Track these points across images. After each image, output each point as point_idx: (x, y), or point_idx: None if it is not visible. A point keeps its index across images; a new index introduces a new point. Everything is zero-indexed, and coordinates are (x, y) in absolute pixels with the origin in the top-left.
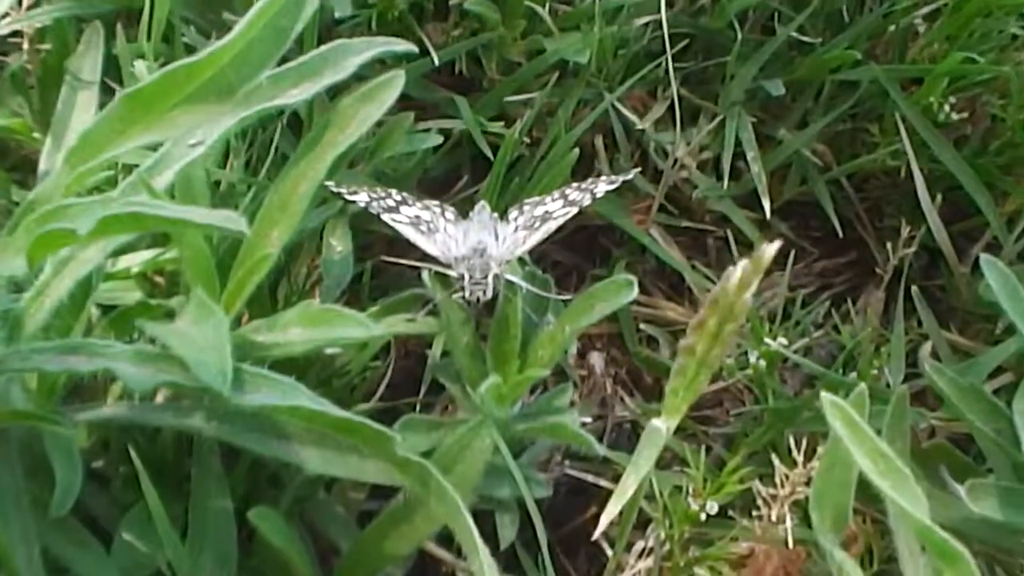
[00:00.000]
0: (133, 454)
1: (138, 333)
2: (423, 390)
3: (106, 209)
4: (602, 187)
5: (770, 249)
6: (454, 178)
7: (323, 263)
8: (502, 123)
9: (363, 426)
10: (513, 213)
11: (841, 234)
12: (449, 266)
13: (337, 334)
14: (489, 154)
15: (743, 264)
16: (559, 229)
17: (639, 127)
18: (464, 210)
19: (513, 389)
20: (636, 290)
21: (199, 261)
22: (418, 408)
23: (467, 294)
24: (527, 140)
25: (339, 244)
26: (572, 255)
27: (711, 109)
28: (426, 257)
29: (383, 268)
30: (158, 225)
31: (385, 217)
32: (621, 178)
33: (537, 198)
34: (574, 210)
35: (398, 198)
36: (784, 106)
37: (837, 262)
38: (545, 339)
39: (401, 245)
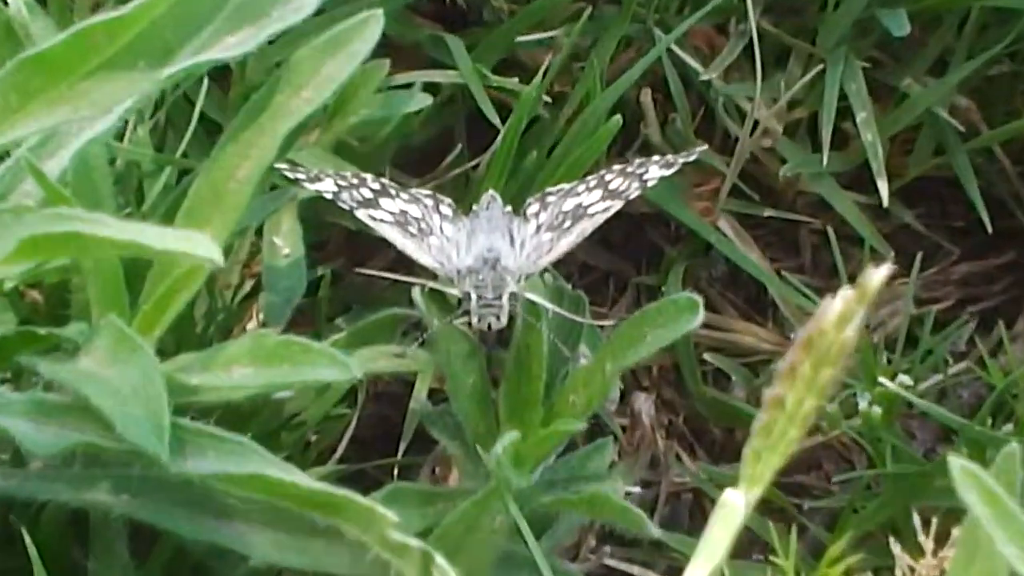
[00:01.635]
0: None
1: (25, 375)
2: (403, 447)
3: (24, 226)
4: (655, 171)
5: (881, 270)
6: (443, 150)
7: (265, 271)
8: (513, 75)
9: (347, 501)
10: (533, 207)
11: (991, 227)
12: (449, 281)
13: (301, 375)
14: (495, 119)
15: (844, 294)
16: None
17: (704, 77)
18: (462, 200)
19: (536, 448)
20: (702, 312)
21: (105, 274)
22: (396, 472)
23: (474, 320)
24: (548, 98)
25: (287, 244)
26: (610, 256)
27: (805, 50)
28: (412, 266)
29: (345, 275)
30: (100, 250)
31: (361, 214)
32: (682, 159)
33: (565, 186)
34: (618, 205)
35: (375, 186)
36: (909, 46)
37: (986, 265)
38: (578, 380)
39: (371, 241)
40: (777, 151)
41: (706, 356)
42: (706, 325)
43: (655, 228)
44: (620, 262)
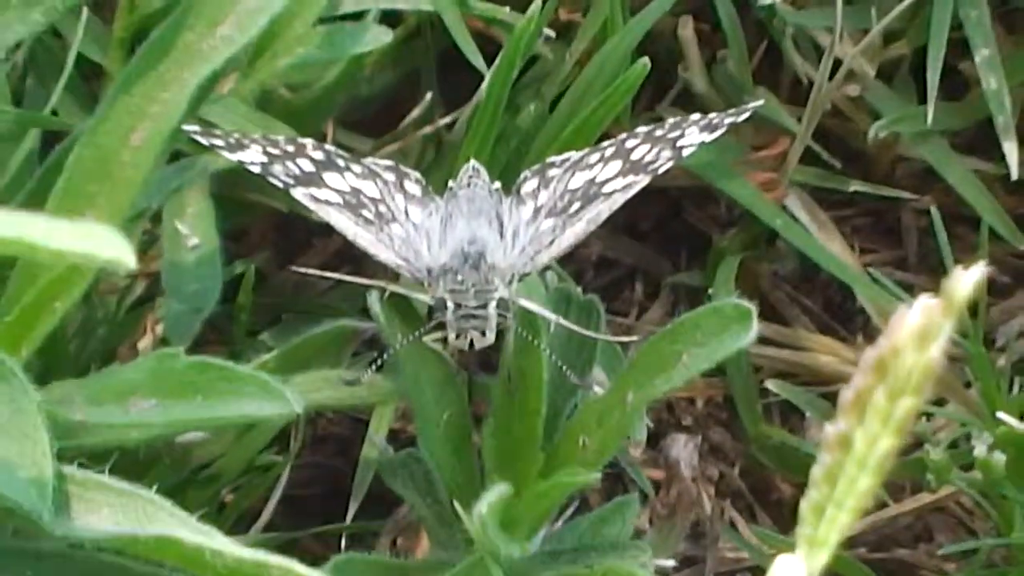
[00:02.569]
0: None
1: None
2: (353, 508)
3: None
4: (696, 134)
5: (974, 270)
6: (406, 104)
7: (166, 269)
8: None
9: (285, 574)
10: (530, 183)
11: None
12: (417, 283)
13: (221, 411)
14: (477, 60)
15: (923, 303)
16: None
17: (765, 1)
18: (433, 173)
19: (533, 507)
20: (755, 324)
21: None
22: (343, 542)
23: (451, 335)
24: (550, 31)
25: (195, 232)
26: (635, 248)
27: None
28: (366, 263)
29: (274, 274)
30: None
31: (299, 193)
32: (733, 117)
33: (573, 155)
34: (643, 181)
35: (318, 155)
36: None
37: None
38: (591, 416)
39: (310, 229)
40: (867, 102)
41: (769, 384)
42: (768, 341)
43: (698, 209)
44: (650, 256)
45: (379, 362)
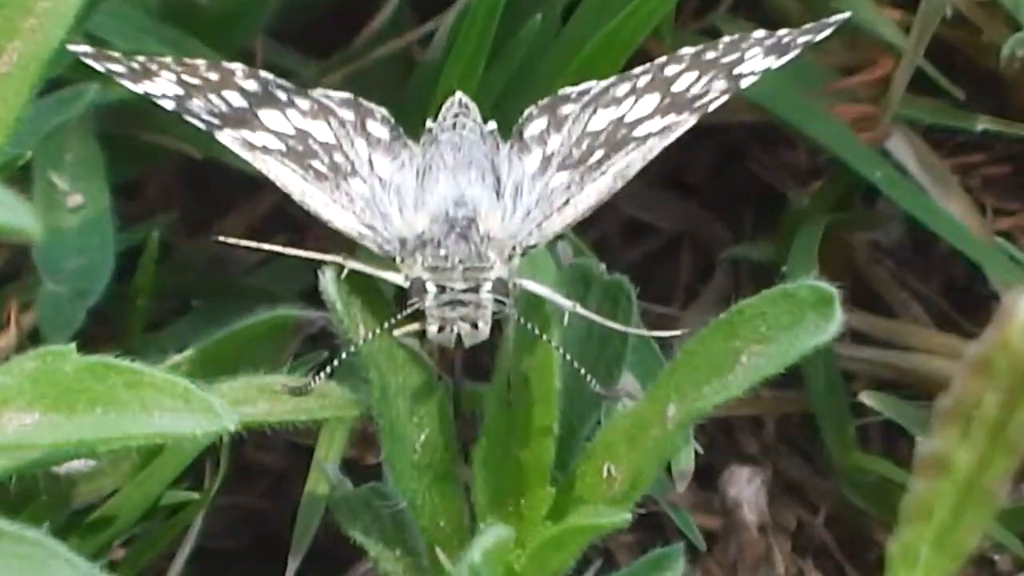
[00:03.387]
0: None
1: None
2: (294, 565)
3: None
4: (759, 58)
5: None
6: (363, 10)
7: (39, 237)
8: None
9: None
10: (536, 123)
11: None
12: (389, 258)
13: (128, 427)
14: None
15: None
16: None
17: None
18: (404, 108)
19: (541, 560)
20: (839, 313)
21: None
22: None
23: (431, 329)
24: None
25: (76, 187)
26: (680, 207)
27: None
28: (315, 230)
29: (178, 245)
30: None
31: (226, 137)
32: (811, 34)
33: (592, 86)
34: (688, 121)
35: (251, 85)
36: None
37: None
38: (619, 437)
39: (236, 184)
40: (1002, 5)
41: (864, 398)
42: (863, 338)
43: (767, 155)
44: (700, 219)
45: (333, 364)
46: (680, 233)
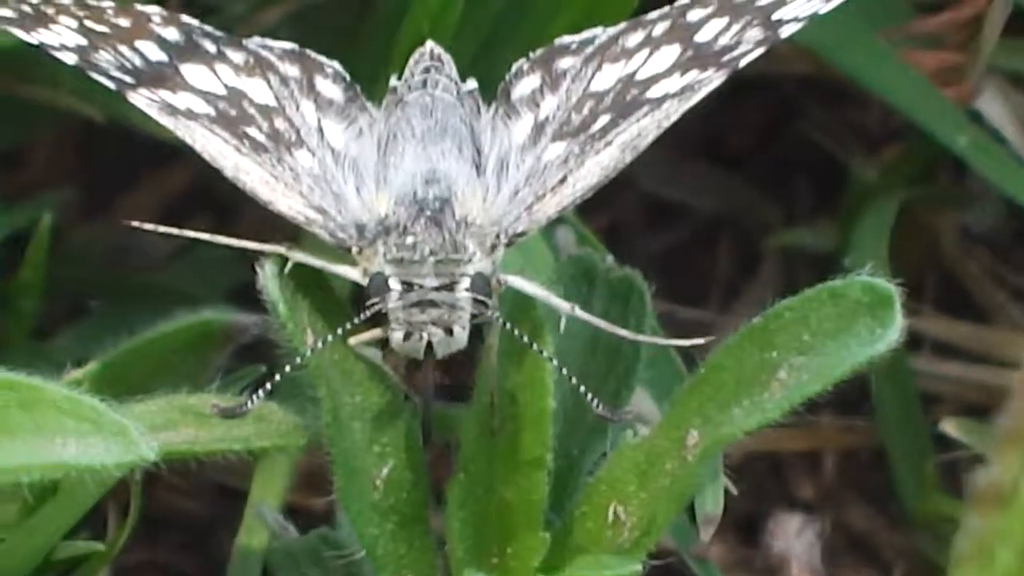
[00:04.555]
0: None
1: None
2: None
3: None
4: (804, 1)
5: None
6: None
7: None
8: None
9: None
10: (527, 80)
11: None
12: (344, 249)
13: (29, 456)
14: None
15: None
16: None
17: None
18: (362, 63)
19: None
20: (899, 320)
21: None
22: None
23: (395, 335)
24: None
25: None
26: (716, 181)
27: None
28: (251, 213)
29: (70, 231)
30: None
31: (142, 99)
32: None
33: (598, 34)
34: (717, 79)
35: (171, 33)
36: None
37: None
38: (628, 471)
39: (151, 154)
40: None
41: (947, 427)
42: (948, 350)
43: (825, 115)
44: (742, 197)
45: (274, 381)
46: (718, 215)
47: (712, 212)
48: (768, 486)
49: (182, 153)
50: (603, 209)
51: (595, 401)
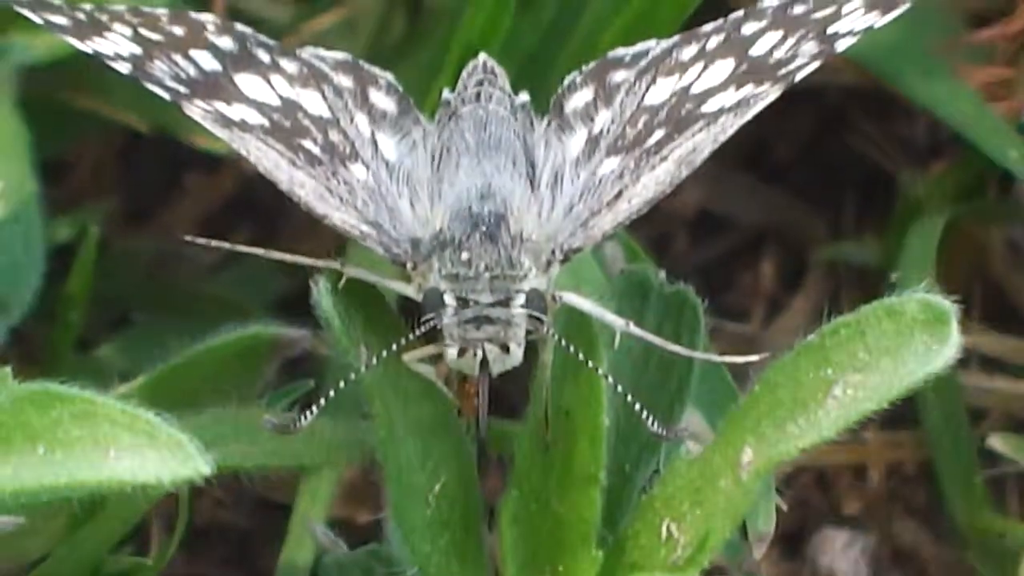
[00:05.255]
0: None
1: None
2: None
3: None
4: (859, 13)
5: None
6: None
7: None
8: None
9: None
10: (580, 93)
11: None
12: (398, 264)
13: (85, 472)
14: None
15: None
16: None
17: None
18: (412, 74)
19: None
20: (956, 338)
21: None
22: None
23: (450, 352)
24: None
25: None
26: (763, 194)
27: None
28: (305, 227)
29: (112, 240)
30: None
31: (197, 110)
32: None
33: (653, 45)
34: (773, 93)
35: (225, 42)
36: None
37: None
38: (682, 488)
39: (178, 156)
40: None
41: (995, 443)
42: (995, 364)
43: (873, 127)
44: (788, 210)
45: (327, 396)
46: (763, 228)
47: (757, 225)
48: (814, 500)
49: (224, 162)
50: (648, 222)
51: (650, 418)
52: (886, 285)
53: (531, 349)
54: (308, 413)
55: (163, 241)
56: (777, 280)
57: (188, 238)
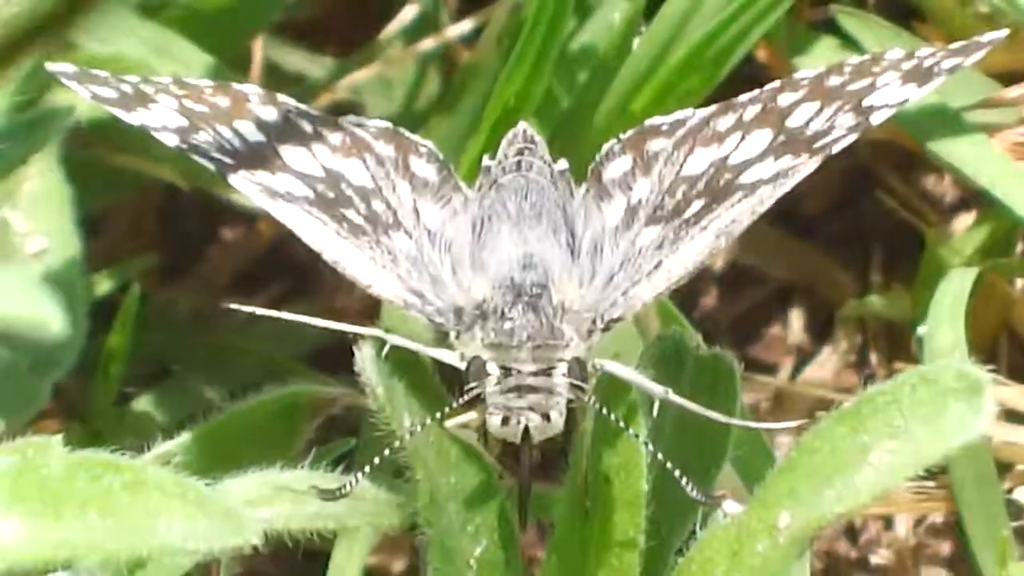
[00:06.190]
0: None
1: None
2: None
3: None
4: (895, 86)
5: None
6: (381, 6)
7: None
8: None
9: None
10: (618, 162)
11: None
12: (441, 332)
13: (134, 539)
14: None
15: None
16: None
17: None
18: (445, 136)
19: None
20: (991, 407)
21: None
22: None
23: (495, 419)
24: None
25: (39, 225)
26: (793, 249)
27: None
28: (346, 294)
29: (149, 293)
30: None
31: (241, 181)
32: (955, 57)
33: (691, 115)
34: (811, 165)
35: (268, 112)
36: None
37: None
38: (720, 551)
39: (212, 211)
40: None
41: (1021, 495)
42: (1020, 416)
43: (901, 183)
44: (818, 264)
45: (370, 464)
46: (792, 281)
47: (786, 278)
48: (842, 550)
49: (260, 217)
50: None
51: (688, 484)
52: (914, 339)
53: (572, 417)
54: (354, 480)
55: (201, 295)
56: (805, 333)
57: (236, 306)
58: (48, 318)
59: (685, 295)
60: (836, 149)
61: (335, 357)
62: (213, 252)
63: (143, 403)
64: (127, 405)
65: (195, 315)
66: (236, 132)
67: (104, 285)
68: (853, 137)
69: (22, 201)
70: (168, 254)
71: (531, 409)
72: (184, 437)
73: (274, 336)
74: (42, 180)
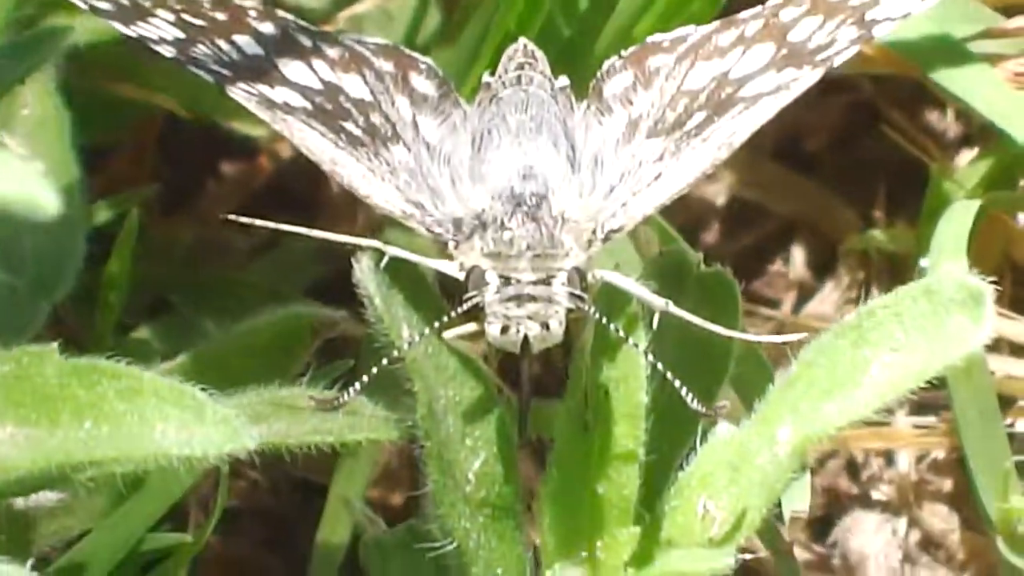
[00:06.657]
0: None
1: None
2: None
3: None
4: (899, 1)
5: None
6: None
7: None
8: None
9: None
10: (620, 78)
11: None
12: (440, 243)
13: (131, 445)
14: None
15: None
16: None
17: None
18: (446, 61)
19: None
20: (991, 317)
21: None
22: None
23: (492, 330)
24: None
25: (37, 151)
26: (795, 183)
27: None
28: (344, 208)
29: (150, 224)
30: None
31: (239, 92)
32: None
33: (692, 31)
34: (812, 77)
35: (266, 27)
36: None
37: None
38: (719, 466)
39: (213, 140)
40: None
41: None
42: (1022, 350)
43: (904, 116)
44: (820, 198)
45: (370, 374)
46: (794, 217)
47: (789, 214)
48: (844, 485)
49: (262, 149)
50: (680, 209)
51: (689, 396)
52: (917, 272)
53: (571, 328)
54: (351, 391)
55: (201, 227)
56: (808, 268)
57: (231, 217)
58: (44, 200)
59: (688, 231)
60: (838, 62)
61: (336, 290)
62: (213, 185)
63: (143, 333)
64: (127, 336)
65: (196, 248)
66: (234, 45)
67: (104, 214)
68: (855, 49)
69: (19, 126)
70: (169, 187)
71: (530, 318)
72: (182, 358)
73: (274, 268)
74: (40, 105)
